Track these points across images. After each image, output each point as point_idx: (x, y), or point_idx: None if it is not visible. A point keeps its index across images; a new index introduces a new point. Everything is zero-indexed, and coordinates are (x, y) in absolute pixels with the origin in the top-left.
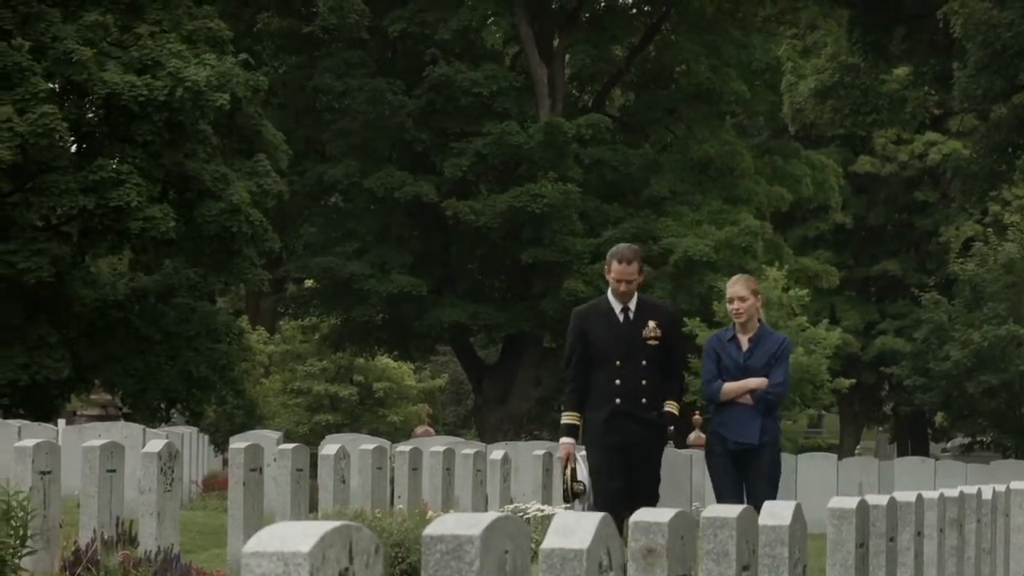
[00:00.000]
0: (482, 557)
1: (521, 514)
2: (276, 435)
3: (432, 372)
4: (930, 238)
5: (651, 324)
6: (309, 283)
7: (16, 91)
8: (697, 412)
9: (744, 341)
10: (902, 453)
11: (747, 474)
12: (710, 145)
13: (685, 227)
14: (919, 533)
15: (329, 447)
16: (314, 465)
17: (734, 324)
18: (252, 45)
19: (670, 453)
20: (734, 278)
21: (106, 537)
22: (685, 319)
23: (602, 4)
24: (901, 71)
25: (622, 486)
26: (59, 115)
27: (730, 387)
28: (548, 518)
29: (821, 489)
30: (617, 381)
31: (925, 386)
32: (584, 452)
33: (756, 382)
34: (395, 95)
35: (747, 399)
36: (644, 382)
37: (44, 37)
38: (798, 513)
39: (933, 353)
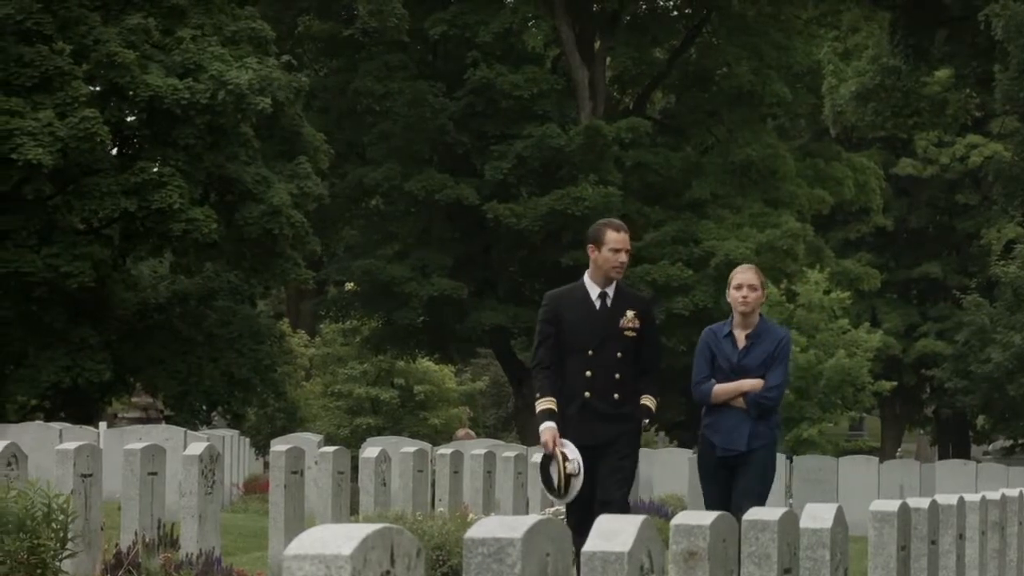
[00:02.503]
0: (524, 560)
1: (562, 517)
2: (317, 438)
3: (473, 375)
4: (971, 240)
5: (629, 314)
6: (349, 286)
7: (57, 95)
8: None
9: (741, 337)
10: (943, 456)
11: (735, 483)
12: (751, 148)
13: (726, 230)
14: (961, 536)
15: (370, 450)
16: (355, 468)
17: (731, 318)
18: (293, 48)
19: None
20: (743, 265)
21: (147, 540)
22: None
23: (643, 7)
24: (942, 73)
25: (589, 494)
26: (100, 119)
27: (721, 389)
28: None
29: (862, 492)
30: (588, 372)
31: (966, 388)
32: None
33: (750, 384)
34: (436, 98)
35: (740, 402)
36: (617, 375)
37: (86, 40)
38: (839, 516)
39: (974, 355)
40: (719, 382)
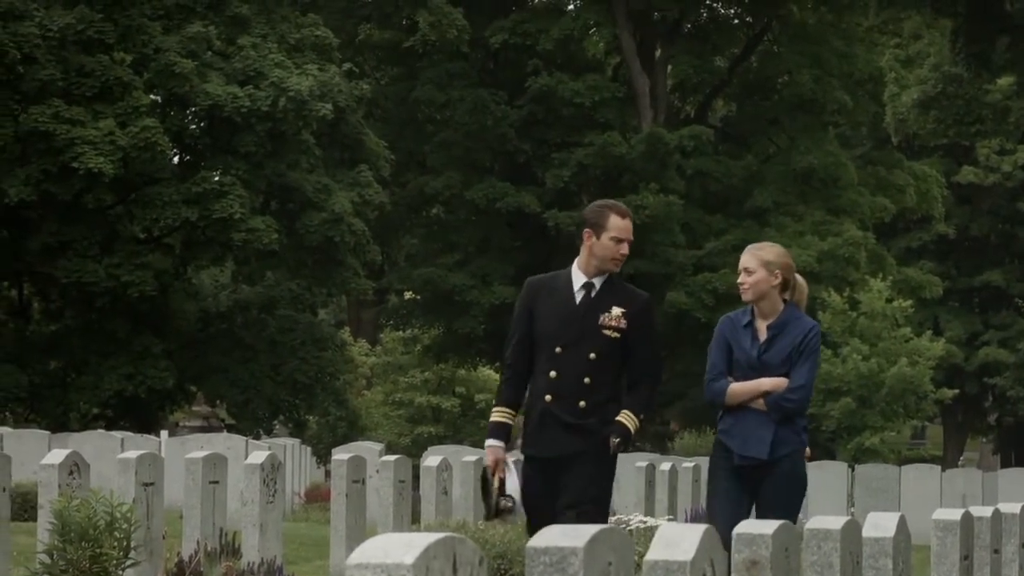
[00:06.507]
0: (586, 569)
1: (624, 526)
2: (378, 447)
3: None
4: None
5: (616, 311)
6: (409, 295)
7: (118, 104)
8: None
9: (762, 328)
10: (1006, 464)
11: (756, 496)
12: (813, 156)
13: (788, 238)
14: (1023, 545)
15: (431, 459)
16: (416, 477)
17: (752, 306)
18: (354, 57)
19: None
20: (749, 246)
21: (209, 548)
22: None
23: (704, 15)
24: (1005, 81)
25: (551, 506)
26: (160, 128)
27: (738, 388)
28: (651, 530)
29: (925, 501)
30: (552, 373)
31: None
32: (516, 458)
33: (771, 383)
34: (497, 106)
35: (760, 403)
36: (587, 380)
37: (146, 49)
38: (902, 525)
39: None
40: (736, 379)
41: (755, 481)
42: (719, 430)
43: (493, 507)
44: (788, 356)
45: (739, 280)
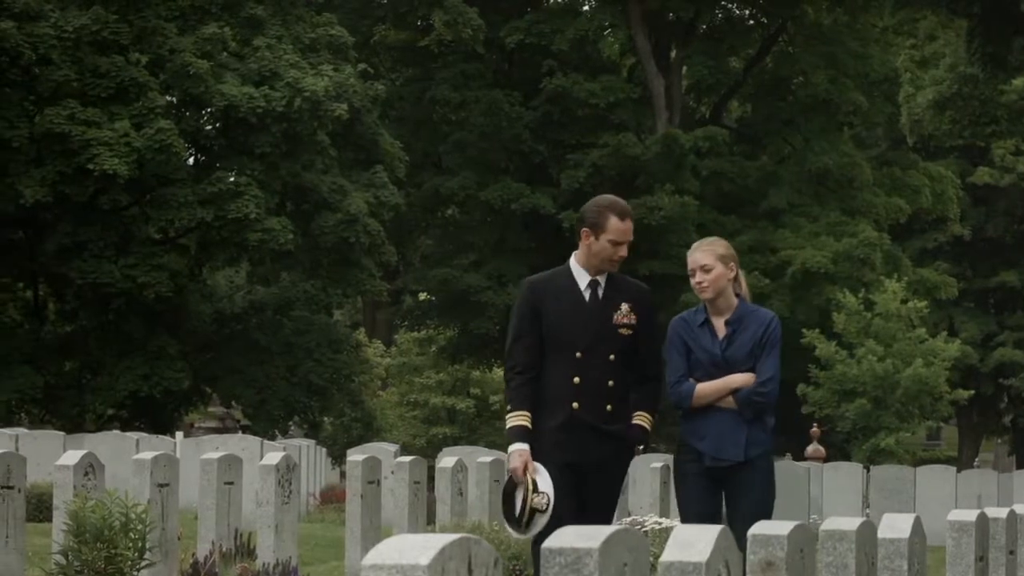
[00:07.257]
0: (601, 570)
1: (639, 527)
2: (393, 448)
3: None
4: None
5: (624, 307)
6: (425, 295)
7: (133, 106)
8: (816, 424)
9: (720, 325)
10: (1021, 465)
11: (729, 499)
12: (828, 156)
13: (803, 239)
14: None
15: (446, 460)
16: (431, 478)
17: (704, 304)
18: (369, 57)
19: (787, 466)
20: (695, 243)
21: (224, 549)
22: (803, 330)
23: (719, 15)
24: (1020, 81)
25: (578, 507)
26: (175, 130)
27: (706, 388)
28: (666, 531)
29: (940, 502)
30: (576, 379)
31: None
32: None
33: (741, 379)
34: (512, 107)
35: (729, 402)
36: (611, 382)
37: (161, 50)
38: (917, 526)
39: None
40: (699, 380)
41: (726, 483)
42: (684, 431)
43: (527, 508)
44: (751, 350)
45: (696, 280)
